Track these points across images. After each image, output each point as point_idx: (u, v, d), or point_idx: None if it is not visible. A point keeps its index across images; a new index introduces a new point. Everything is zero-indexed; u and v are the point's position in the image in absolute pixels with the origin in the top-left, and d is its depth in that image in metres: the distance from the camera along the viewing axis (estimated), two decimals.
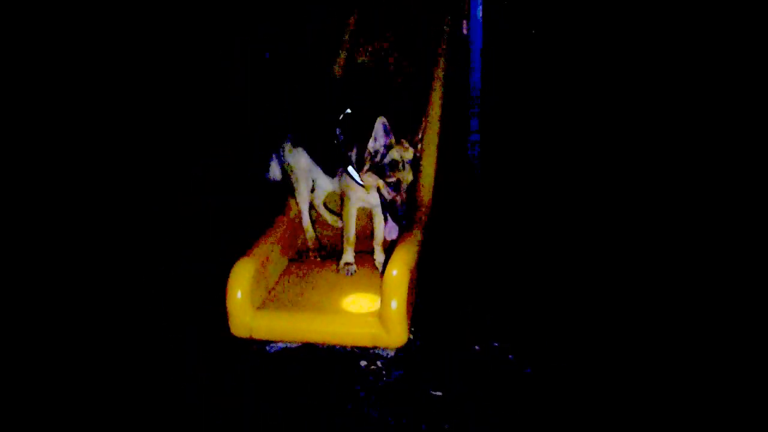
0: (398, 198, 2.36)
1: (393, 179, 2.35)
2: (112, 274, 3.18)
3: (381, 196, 2.42)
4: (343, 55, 3.60)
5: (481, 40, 3.97)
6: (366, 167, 2.41)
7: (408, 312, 2.40)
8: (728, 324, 2.61)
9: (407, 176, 2.36)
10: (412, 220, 2.39)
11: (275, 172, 3.10)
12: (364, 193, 2.56)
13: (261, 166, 3.15)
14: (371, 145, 2.37)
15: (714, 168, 3.79)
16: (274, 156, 3.06)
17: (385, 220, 2.46)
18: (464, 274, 3.12)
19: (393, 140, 2.35)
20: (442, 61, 3.42)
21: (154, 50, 4.40)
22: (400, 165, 2.35)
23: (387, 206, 2.40)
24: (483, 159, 4.09)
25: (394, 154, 2.35)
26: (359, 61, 3.64)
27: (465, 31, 3.98)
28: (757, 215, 3.37)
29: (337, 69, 3.55)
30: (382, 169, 2.36)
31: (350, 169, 2.55)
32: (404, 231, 2.44)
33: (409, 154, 2.38)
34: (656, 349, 2.47)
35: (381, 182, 2.38)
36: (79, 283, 3.08)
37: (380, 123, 2.32)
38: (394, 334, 2.35)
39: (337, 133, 2.59)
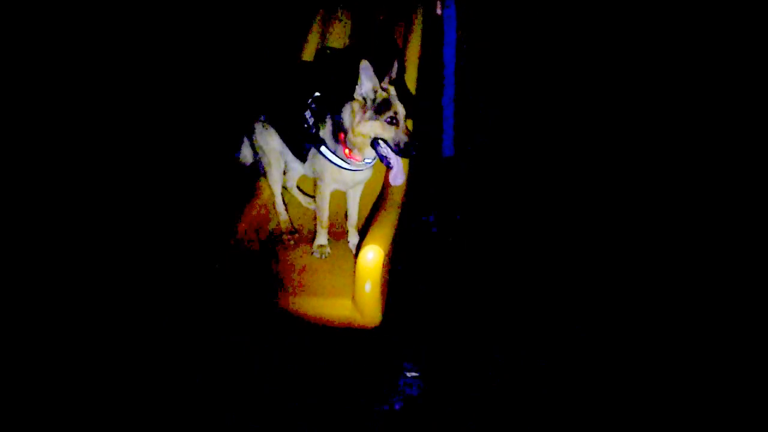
0: (401, 131, 2.31)
1: (390, 113, 2.29)
2: (84, 264, 3.11)
3: (382, 140, 2.34)
4: (313, 39, 3.53)
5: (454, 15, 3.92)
6: (358, 119, 2.34)
7: (383, 294, 2.41)
8: (721, 322, 2.66)
9: (401, 109, 2.31)
10: (414, 148, 2.31)
11: (246, 154, 3.03)
12: (337, 170, 2.53)
13: (232, 147, 3.08)
14: (359, 92, 2.32)
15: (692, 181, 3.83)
16: (245, 138, 2.99)
17: (389, 166, 2.38)
18: (439, 255, 3.13)
19: (377, 84, 2.31)
20: (415, 41, 3.37)
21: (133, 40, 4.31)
22: (391, 100, 2.31)
23: (394, 144, 2.32)
24: (457, 143, 4.07)
25: (383, 93, 2.31)
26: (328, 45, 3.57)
27: (439, 12, 3.93)
28: (745, 214, 3.41)
29: (307, 53, 3.48)
30: (376, 112, 2.31)
31: (323, 149, 2.52)
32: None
33: (393, 92, 2.34)
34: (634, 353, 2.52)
35: (378, 123, 2.31)
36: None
37: (365, 66, 2.26)
38: (368, 316, 2.36)
39: (307, 116, 2.55)
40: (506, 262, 3.16)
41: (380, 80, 2.33)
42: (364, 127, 2.34)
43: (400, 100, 2.34)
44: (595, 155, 3.92)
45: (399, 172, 2.38)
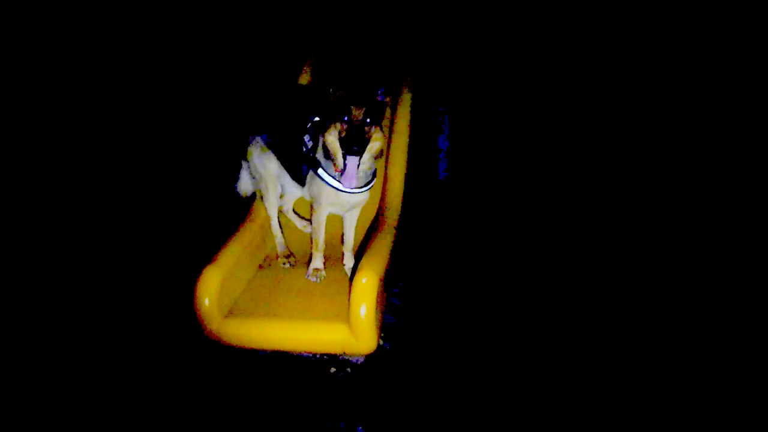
0: (349, 129, 2.37)
1: (345, 114, 2.37)
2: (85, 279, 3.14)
3: (339, 136, 2.41)
4: (308, 65, 3.60)
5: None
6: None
7: (378, 318, 2.41)
8: (721, 322, 2.69)
9: (356, 110, 2.36)
10: (364, 145, 2.39)
11: (246, 185, 3.05)
12: (334, 193, 2.56)
13: (230, 175, 3.10)
14: (331, 93, 2.44)
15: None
16: (244, 165, 3.00)
17: (343, 170, 2.45)
18: (434, 277, 3.15)
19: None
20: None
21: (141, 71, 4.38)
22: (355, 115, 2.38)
23: (342, 140, 2.39)
24: (450, 162, 4.13)
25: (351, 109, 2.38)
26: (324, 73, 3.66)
27: None
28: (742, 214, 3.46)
29: (304, 78, 3.55)
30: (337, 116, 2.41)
31: (321, 171, 2.55)
32: (357, 157, 2.42)
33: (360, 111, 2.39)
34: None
35: (336, 124, 2.40)
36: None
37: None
38: (363, 341, 2.35)
39: (306, 140, 2.59)
40: (506, 263, 3.20)
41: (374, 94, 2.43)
42: (329, 132, 2.44)
43: (372, 109, 2.40)
44: (586, 166, 4.01)
45: (349, 174, 2.44)
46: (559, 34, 4.22)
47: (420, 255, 3.21)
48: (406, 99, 3.32)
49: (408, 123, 3.23)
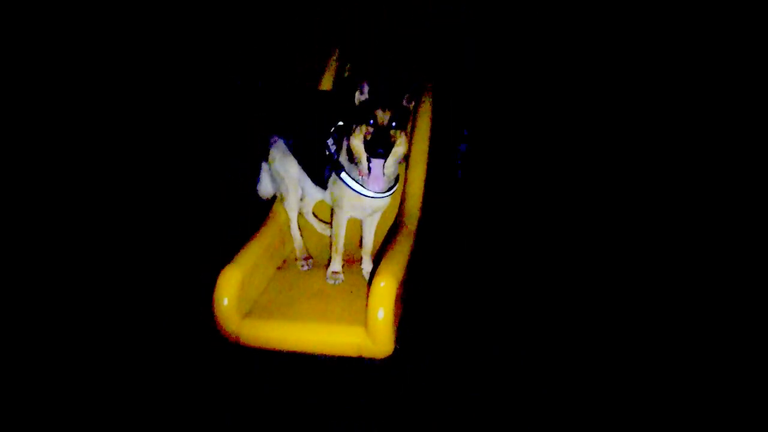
0: (375, 132, 2.37)
1: (370, 117, 2.39)
2: (106, 278, 3.19)
3: (364, 140, 2.42)
4: (332, 68, 3.63)
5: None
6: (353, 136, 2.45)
7: (395, 322, 2.40)
8: (720, 322, 2.67)
9: (381, 113, 2.38)
10: (389, 149, 2.40)
11: (267, 187, 3.08)
12: (356, 197, 2.56)
13: (252, 176, 3.13)
14: (357, 98, 2.47)
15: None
16: (264, 167, 3.03)
17: (369, 171, 2.46)
18: (452, 283, 3.14)
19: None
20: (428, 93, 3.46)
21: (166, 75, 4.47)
22: (372, 106, 2.40)
23: (368, 144, 2.40)
24: (468, 167, 4.15)
25: (377, 113, 2.39)
26: (346, 76, 3.68)
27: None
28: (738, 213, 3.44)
29: (327, 83, 3.58)
30: (361, 119, 2.42)
31: (344, 174, 2.56)
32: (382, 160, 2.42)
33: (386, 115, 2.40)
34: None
35: (362, 127, 2.41)
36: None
37: (364, 84, 2.44)
38: (380, 344, 2.35)
39: (330, 144, 2.61)
40: (506, 264, 3.21)
41: (399, 99, 2.44)
42: (355, 135, 2.44)
43: (398, 114, 2.41)
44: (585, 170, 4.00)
45: (375, 177, 2.45)
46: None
47: (432, 258, 3.21)
48: (426, 105, 3.34)
49: (429, 129, 3.24)
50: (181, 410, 2.33)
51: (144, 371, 2.55)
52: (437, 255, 3.29)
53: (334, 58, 3.69)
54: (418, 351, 2.58)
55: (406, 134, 2.49)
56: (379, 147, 2.36)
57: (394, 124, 2.39)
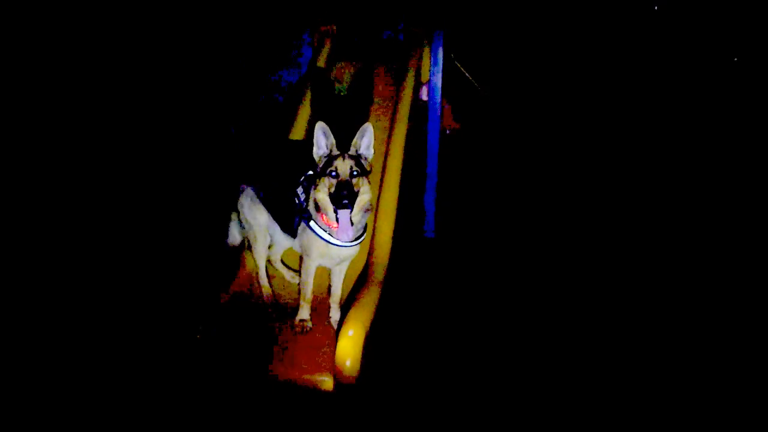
0: (338, 183, 2.40)
1: (331, 168, 2.42)
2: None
3: (328, 192, 2.44)
4: (304, 115, 3.71)
5: (438, 105, 4.17)
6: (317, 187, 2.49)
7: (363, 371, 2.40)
8: (719, 322, 2.74)
9: (342, 163, 2.42)
10: (354, 199, 2.43)
11: (234, 234, 3.11)
12: (325, 246, 2.58)
13: (220, 229, 3.13)
14: (315, 153, 2.51)
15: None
16: (233, 217, 3.06)
17: (337, 220, 2.47)
18: (418, 331, 3.15)
19: (333, 143, 2.49)
20: (402, 124, 3.56)
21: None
22: (334, 156, 2.45)
23: (332, 196, 2.42)
24: (437, 218, 4.20)
25: (336, 152, 2.46)
26: None
27: (424, 98, 4.17)
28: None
29: (299, 131, 3.66)
30: (323, 169, 2.46)
31: (312, 223, 2.59)
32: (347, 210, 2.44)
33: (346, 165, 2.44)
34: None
35: (325, 179, 2.44)
36: None
37: (319, 127, 2.48)
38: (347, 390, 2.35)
39: (299, 193, 2.65)
40: (506, 265, 3.26)
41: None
42: (318, 189, 2.48)
43: (358, 161, 2.47)
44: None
45: (343, 227, 2.46)
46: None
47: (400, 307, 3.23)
48: (396, 154, 3.41)
49: (398, 178, 3.30)
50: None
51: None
52: (405, 305, 3.31)
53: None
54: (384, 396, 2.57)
55: (368, 181, 2.54)
56: (343, 198, 2.40)
57: (355, 172, 2.45)
